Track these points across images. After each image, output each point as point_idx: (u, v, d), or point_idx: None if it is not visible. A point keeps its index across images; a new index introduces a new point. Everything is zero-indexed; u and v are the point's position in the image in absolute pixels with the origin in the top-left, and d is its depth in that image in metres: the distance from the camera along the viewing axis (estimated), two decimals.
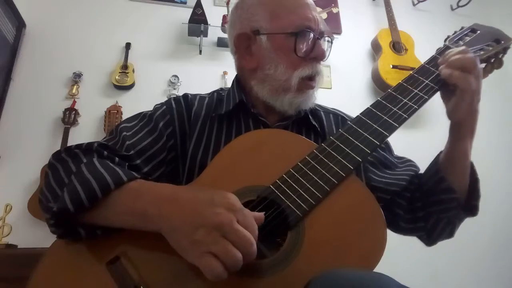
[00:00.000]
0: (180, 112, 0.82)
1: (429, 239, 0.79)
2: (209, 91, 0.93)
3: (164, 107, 0.82)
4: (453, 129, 0.71)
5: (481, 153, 2.28)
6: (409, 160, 0.88)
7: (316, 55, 0.78)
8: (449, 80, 0.66)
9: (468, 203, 0.72)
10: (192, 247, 0.48)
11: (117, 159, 0.67)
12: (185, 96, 0.87)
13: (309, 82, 0.79)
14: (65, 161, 0.65)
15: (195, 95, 0.88)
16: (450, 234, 0.78)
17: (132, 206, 0.55)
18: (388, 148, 0.89)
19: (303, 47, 0.77)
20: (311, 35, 0.77)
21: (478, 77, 0.66)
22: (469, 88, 0.65)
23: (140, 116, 0.80)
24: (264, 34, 0.79)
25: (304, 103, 0.80)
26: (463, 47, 0.70)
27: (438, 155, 0.76)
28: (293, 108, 0.80)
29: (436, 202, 0.73)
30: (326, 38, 0.83)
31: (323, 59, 0.80)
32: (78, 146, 0.67)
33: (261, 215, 0.53)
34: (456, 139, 0.71)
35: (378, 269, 0.51)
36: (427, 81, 0.68)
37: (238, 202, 0.51)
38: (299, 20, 0.77)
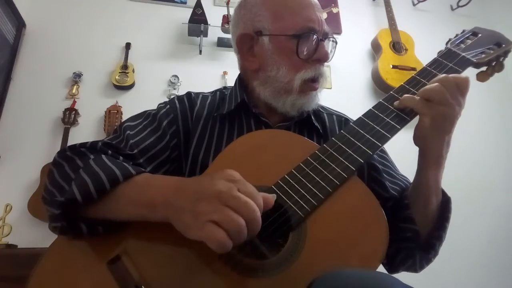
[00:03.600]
0: (183, 111, 0.82)
1: (390, 267, 0.76)
2: (210, 90, 0.93)
3: (168, 106, 0.82)
4: (419, 157, 0.68)
5: (482, 153, 2.31)
6: (407, 178, 0.85)
7: (319, 57, 0.77)
8: (399, 105, 0.65)
9: (427, 241, 0.67)
10: (194, 220, 0.47)
11: (121, 158, 0.67)
12: (189, 94, 0.86)
13: (312, 83, 0.78)
14: (71, 159, 0.65)
15: (198, 93, 0.88)
16: (414, 269, 0.72)
17: (139, 197, 0.55)
18: (390, 163, 0.87)
19: (306, 49, 0.76)
20: (314, 37, 0.76)
21: (444, 102, 0.61)
22: (424, 109, 0.62)
23: (144, 115, 0.80)
24: (267, 35, 0.78)
25: (307, 105, 0.79)
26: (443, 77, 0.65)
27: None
28: (295, 109, 0.79)
29: (396, 229, 0.68)
30: (331, 39, 0.82)
31: (326, 61, 0.79)
32: (83, 145, 0.67)
33: (270, 197, 0.51)
34: (420, 168, 0.68)
35: (380, 268, 0.52)
36: (428, 83, 0.68)
37: (237, 174, 0.50)
38: (302, 22, 0.76)
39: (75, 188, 0.56)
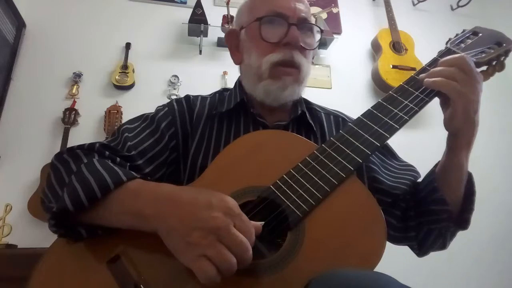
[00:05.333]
0: (182, 113, 0.82)
1: (420, 250, 0.78)
2: (209, 91, 0.93)
3: (166, 108, 0.82)
4: (449, 140, 0.70)
5: (482, 153, 2.30)
6: (411, 165, 0.87)
7: (288, 41, 0.76)
8: (432, 87, 0.65)
9: (460, 216, 0.70)
10: (187, 249, 0.48)
11: (118, 159, 0.67)
12: (187, 97, 0.87)
13: (283, 68, 0.77)
14: (66, 162, 0.65)
15: (197, 96, 0.89)
16: (443, 246, 0.76)
17: (130, 206, 0.55)
18: (390, 153, 0.89)
19: (272, 32, 0.77)
20: (281, 20, 0.77)
21: (469, 85, 0.63)
22: (457, 96, 0.63)
23: (142, 118, 0.80)
24: (244, 28, 0.83)
25: (281, 92, 0.78)
26: (455, 55, 0.67)
27: (437, 164, 0.74)
28: (270, 97, 0.79)
29: (428, 212, 0.72)
30: (307, 25, 0.81)
31: (296, 45, 0.77)
32: (80, 147, 0.67)
33: (259, 224, 0.52)
34: (451, 150, 0.69)
35: (378, 268, 0.52)
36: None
37: (236, 207, 0.50)
38: (270, 7, 0.78)
39: (66, 197, 0.56)
